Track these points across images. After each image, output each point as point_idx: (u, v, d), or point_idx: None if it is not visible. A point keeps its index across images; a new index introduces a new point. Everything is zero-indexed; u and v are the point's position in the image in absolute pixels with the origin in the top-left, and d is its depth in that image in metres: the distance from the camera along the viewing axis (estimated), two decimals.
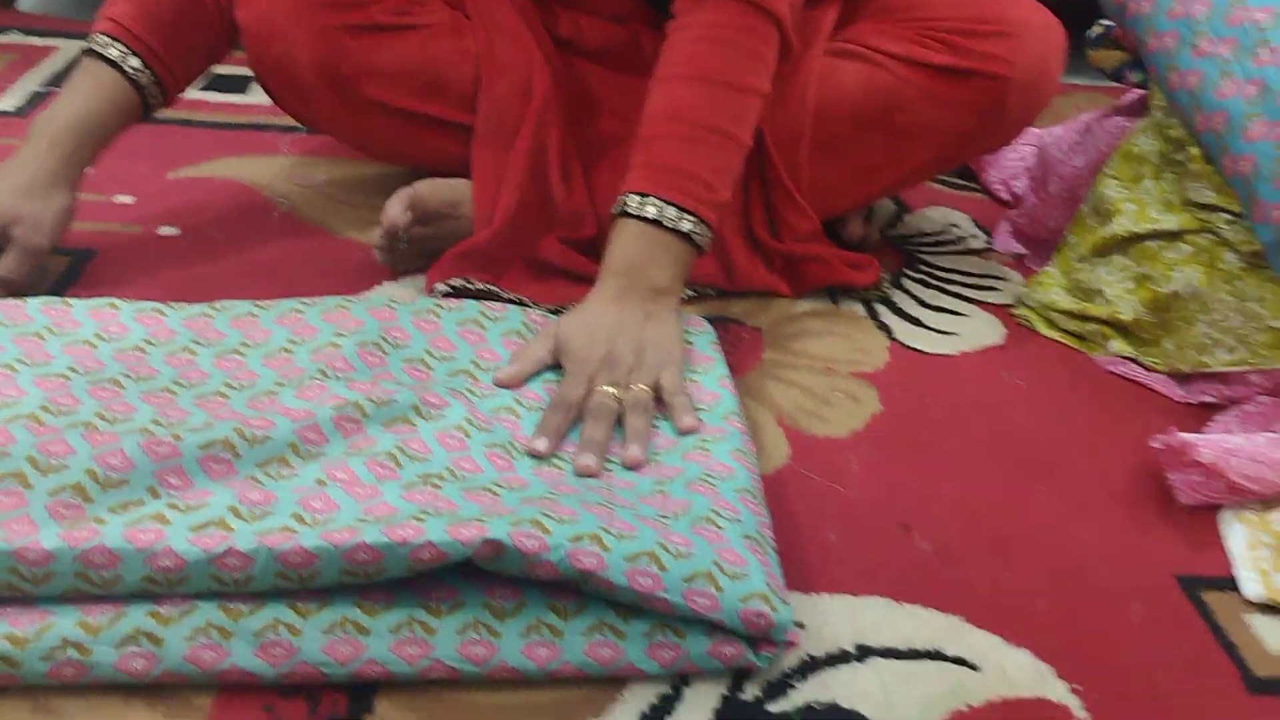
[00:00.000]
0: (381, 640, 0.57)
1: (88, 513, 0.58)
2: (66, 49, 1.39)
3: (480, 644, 0.58)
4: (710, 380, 0.78)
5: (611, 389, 0.73)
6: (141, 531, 0.57)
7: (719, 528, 0.63)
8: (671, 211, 0.79)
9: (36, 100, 1.25)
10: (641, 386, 0.74)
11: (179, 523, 0.57)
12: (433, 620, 0.58)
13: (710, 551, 0.60)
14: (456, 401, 0.72)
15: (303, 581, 0.57)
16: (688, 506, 0.65)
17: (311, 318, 0.79)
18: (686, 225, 0.79)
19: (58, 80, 1.31)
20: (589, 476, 0.69)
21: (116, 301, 0.79)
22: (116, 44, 0.87)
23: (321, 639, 0.57)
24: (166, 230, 1.00)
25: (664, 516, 0.63)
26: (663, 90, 0.82)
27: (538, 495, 0.64)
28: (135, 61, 0.87)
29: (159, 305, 0.80)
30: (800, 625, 0.64)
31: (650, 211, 0.79)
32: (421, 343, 0.78)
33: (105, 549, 0.56)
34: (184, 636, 0.56)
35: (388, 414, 0.69)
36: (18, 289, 0.84)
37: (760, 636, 0.60)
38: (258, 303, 0.81)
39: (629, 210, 0.80)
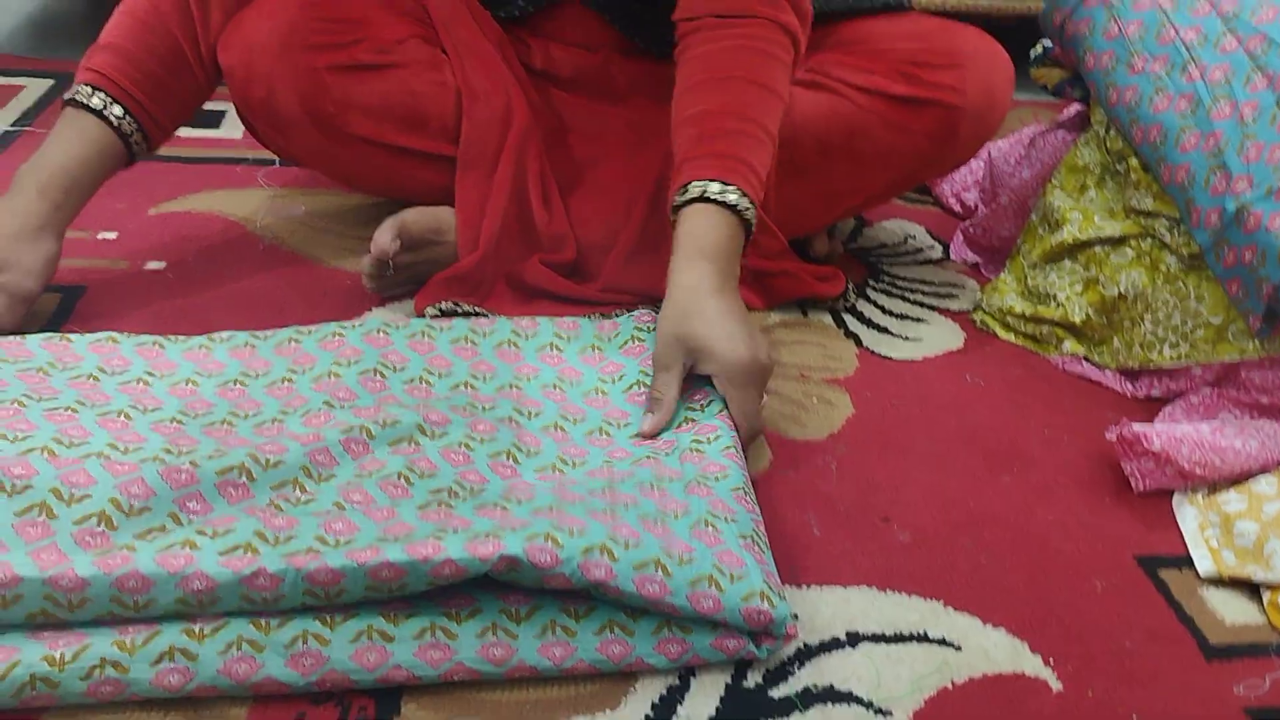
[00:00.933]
0: (406, 646, 0.61)
1: (114, 540, 0.61)
2: (33, 87, 1.40)
3: (499, 646, 0.62)
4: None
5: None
6: (173, 557, 0.59)
7: (716, 529, 0.67)
8: (745, 203, 0.84)
9: (7, 139, 1.26)
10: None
11: (208, 548, 0.60)
12: (453, 625, 0.62)
13: (710, 555, 0.64)
14: (458, 417, 0.76)
15: (329, 599, 0.60)
16: (686, 508, 0.68)
17: (309, 346, 0.82)
18: (751, 216, 0.84)
19: (27, 118, 1.32)
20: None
21: (116, 336, 0.82)
22: (99, 93, 0.89)
23: (349, 648, 0.60)
24: (153, 265, 1.01)
25: (663, 513, 0.67)
26: (717, 89, 0.87)
27: (545, 505, 0.67)
28: (118, 110, 0.89)
29: (158, 339, 0.82)
30: (794, 616, 0.69)
31: (732, 199, 0.83)
32: (419, 363, 0.82)
33: (139, 574, 0.58)
34: (218, 651, 0.59)
35: (393, 434, 0.73)
36: (8, 334, 0.85)
37: (761, 631, 0.64)
38: (254, 333, 0.84)
39: (710, 196, 0.83)
